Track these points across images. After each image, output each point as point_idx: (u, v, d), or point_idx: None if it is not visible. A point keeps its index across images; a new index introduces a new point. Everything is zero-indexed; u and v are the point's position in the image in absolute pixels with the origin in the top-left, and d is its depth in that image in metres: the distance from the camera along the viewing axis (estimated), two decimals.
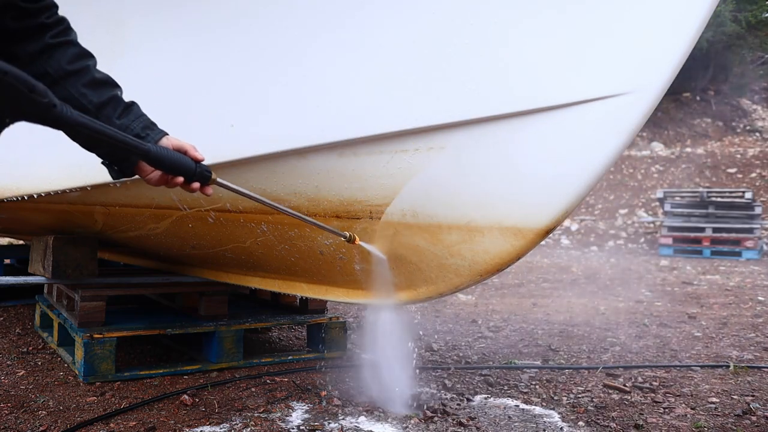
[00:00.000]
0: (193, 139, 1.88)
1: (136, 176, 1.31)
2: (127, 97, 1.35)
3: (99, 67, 1.35)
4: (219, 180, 1.33)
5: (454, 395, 2.34)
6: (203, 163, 1.31)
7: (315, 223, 1.68)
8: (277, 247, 2.08)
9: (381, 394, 2.18)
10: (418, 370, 2.68)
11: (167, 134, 1.33)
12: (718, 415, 2.18)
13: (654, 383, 2.55)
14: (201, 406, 2.17)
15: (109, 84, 1.33)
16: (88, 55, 1.32)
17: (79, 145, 1.24)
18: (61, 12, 1.30)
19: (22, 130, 1.32)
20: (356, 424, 2.00)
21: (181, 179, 1.28)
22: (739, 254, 8.67)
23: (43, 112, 0.99)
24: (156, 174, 1.28)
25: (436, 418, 2.07)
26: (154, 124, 1.34)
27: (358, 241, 1.73)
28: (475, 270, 1.67)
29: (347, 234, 1.71)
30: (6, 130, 1.21)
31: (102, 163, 1.30)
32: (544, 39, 1.46)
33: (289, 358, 2.80)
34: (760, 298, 5.02)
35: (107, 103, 1.29)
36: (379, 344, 2.07)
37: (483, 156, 1.57)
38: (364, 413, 2.10)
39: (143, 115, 1.34)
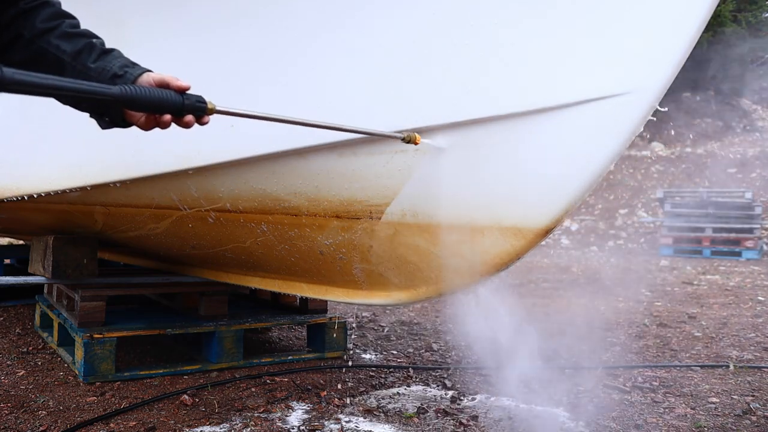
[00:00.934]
0: (194, 138, 1.88)
1: (132, 126, 1.23)
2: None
3: None
4: (219, 108, 1.21)
5: (455, 395, 2.34)
6: (192, 92, 1.20)
7: (351, 129, 1.47)
8: (277, 247, 2.08)
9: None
10: (417, 371, 2.68)
11: (150, 71, 1.23)
12: (718, 415, 2.18)
13: (654, 383, 2.55)
14: (201, 406, 2.17)
15: (86, 35, 1.26)
16: (67, 16, 1.27)
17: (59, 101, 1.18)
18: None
19: (22, 130, 1.32)
20: (356, 424, 2.00)
21: (168, 117, 1.17)
22: (739, 254, 8.67)
23: None
24: (141, 117, 1.18)
25: (436, 418, 2.07)
26: (135, 63, 1.24)
27: (419, 140, 1.51)
28: (476, 270, 1.67)
29: (402, 135, 1.50)
30: (6, 130, 1.20)
31: (90, 116, 1.22)
32: (544, 39, 1.46)
33: (289, 358, 2.80)
34: (760, 298, 5.02)
35: (82, 50, 1.22)
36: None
37: (483, 156, 1.57)
38: (364, 413, 2.10)
39: (123, 56, 1.26)
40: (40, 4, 1.25)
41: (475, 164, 1.58)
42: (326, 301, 2.91)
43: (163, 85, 1.18)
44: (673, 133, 14.08)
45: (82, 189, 2.13)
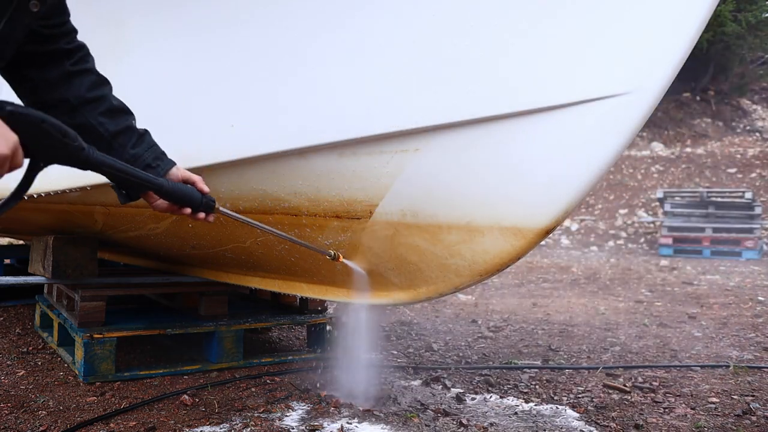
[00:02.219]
0: (194, 139, 1.88)
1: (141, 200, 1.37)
2: (139, 123, 1.41)
3: (99, 67, 1.36)
4: (221, 209, 1.42)
5: (455, 395, 2.34)
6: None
7: (302, 244, 1.78)
8: (277, 247, 2.08)
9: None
10: (417, 371, 2.68)
11: (176, 164, 1.40)
12: (718, 415, 2.18)
13: (654, 383, 2.55)
14: (201, 406, 2.17)
15: (124, 112, 1.38)
16: (105, 82, 1.37)
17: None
18: None
19: None
20: (356, 424, 2.00)
21: (188, 210, 1.35)
22: (739, 254, 8.66)
23: (74, 156, 1.09)
24: (163, 203, 1.34)
25: (436, 418, 2.07)
26: (164, 155, 1.40)
27: (341, 259, 1.80)
28: (475, 270, 1.67)
29: (332, 252, 1.78)
30: None
31: (111, 186, 1.35)
32: (544, 39, 1.46)
33: (289, 358, 2.80)
34: (760, 298, 5.02)
35: (122, 132, 1.35)
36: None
37: (484, 156, 1.57)
38: (364, 413, 2.10)
39: (155, 144, 1.40)
40: (85, 70, 1.33)
41: (475, 164, 1.58)
42: (326, 301, 2.91)
43: (189, 182, 1.38)
44: (673, 133, 14.08)
45: (82, 189, 2.13)
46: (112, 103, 1.35)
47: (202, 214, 1.38)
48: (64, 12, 1.29)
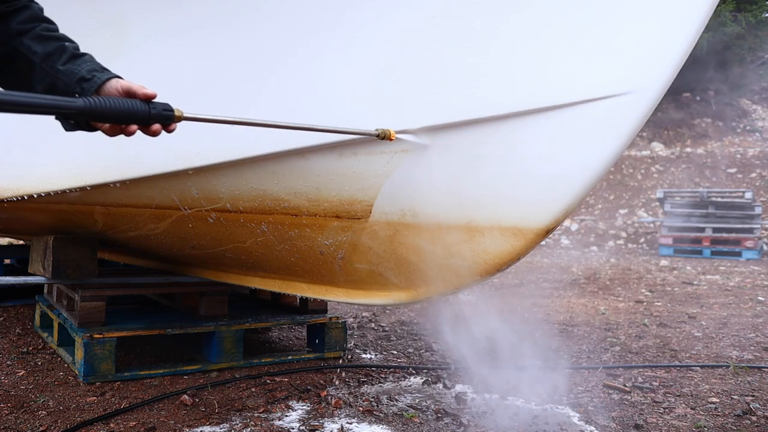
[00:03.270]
0: (194, 138, 1.88)
1: (98, 131, 1.23)
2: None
3: None
4: (187, 114, 1.21)
5: (455, 395, 2.34)
6: (159, 99, 1.20)
7: (330, 129, 1.51)
8: (277, 247, 2.08)
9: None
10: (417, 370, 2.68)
11: (118, 77, 1.23)
12: (718, 415, 2.18)
13: (654, 383, 2.55)
14: (201, 406, 2.17)
15: (60, 38, 1.27)
16: (44, 20, 1.28)
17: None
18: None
19: (21, 129, 1.32)
20: (356, 424, 2.00)
21: (135, 127, 1.17)
22: (739, 254, 8.66)
23: None
24: (106, 125, 1.18)
25: (436, 418, 2.07)
26: (105, 68, 1.24)
27: (394, 136, 1.53)
28: (475, 270, 1.67)
29: (378, 130, 1.51)
30: (5, 130, 1.21)
31: (55, 118, 1.23)
32: (545, 39, 1.46)
33: (289, 358, 2.80)
34: (760, 298, 5.02)
35: (53, 52, 1.23)
36: None
37: (484, 156, 1.57)
38: (364, 413, 2.10)
39: (93, 61, 1.26)
40: (20, 8, 1.26)
41: (475, 164, 1.58)
42: (326, 301, 2.91)
43: (130, 94, 1.18)
44: (673, 133, 14.08)
45: (82, 189, 2.13)
46: (45, 33, 1.24)
47: (156, 126, 1.19)
48: None
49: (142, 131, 1.19)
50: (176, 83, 1.96)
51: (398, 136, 1.57)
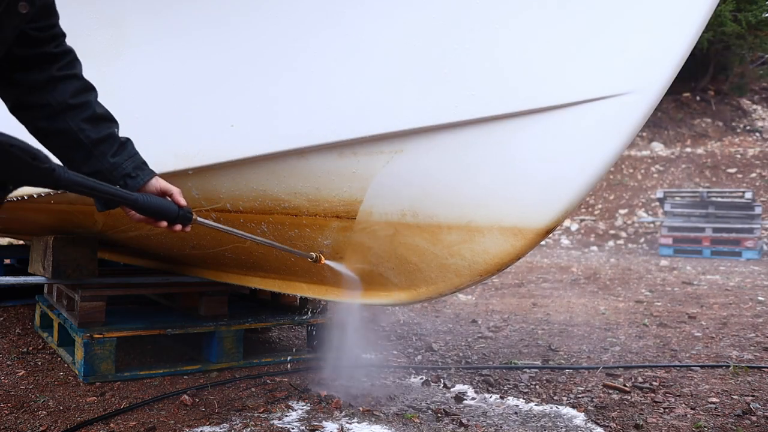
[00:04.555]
0: (194, 138, 1.88)
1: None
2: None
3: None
4: (199, 219, 1.43)
5: (455, 395, 2.34)
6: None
7: (280, 247, 1.82)
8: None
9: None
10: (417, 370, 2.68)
11: (156, 175, 1.39)
12: (718, 415, 2.18)
13: (654, 383, 2.55)
14: (201, 406, 2.17)
15: (107, 120, 1.36)
16: (90, 89, 1.35)
17: None
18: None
19: (21, 129, 1.31)
20: (356, 424, 2.00)
21: (164, 223, 1.35)
22: (739, 254, 8.66)
23: (43, 178, 1.09)
24: (139, 215, 1.34)
25: (436, 418, 2.07)
26: (145, 164, 1.39)
27: (323, 261, 1.82)
28: (475, 270, 1.67)
29: (313, 255, 1.80)
30: (5, 130, 1.21)
31: (98, 199, 1.35)
32: (545, 41, 1.46)
33: (289, 358, 2.80)
34: (760, 298, 5.02)
35: (104, 140, 1.33)
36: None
37: (483, 156, 1.57)
38: (364, 413, 2.10)
39: (136, 154, 1.38)
40: (71, 75, 1.31)
41: (475, 165, 1.58)
42: (326, 301, 2.91)
43: (167, 194, 1.38)
44: (673, 133, 14.08)
45: None
46: (95, 110, 1.33)
47: (178, 226, 1.38)
48: (53, 15, 1.27)
49: (167, 227, 1.37)
50: (176, 83, 1.96)
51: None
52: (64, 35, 1.32)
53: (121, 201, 1.28)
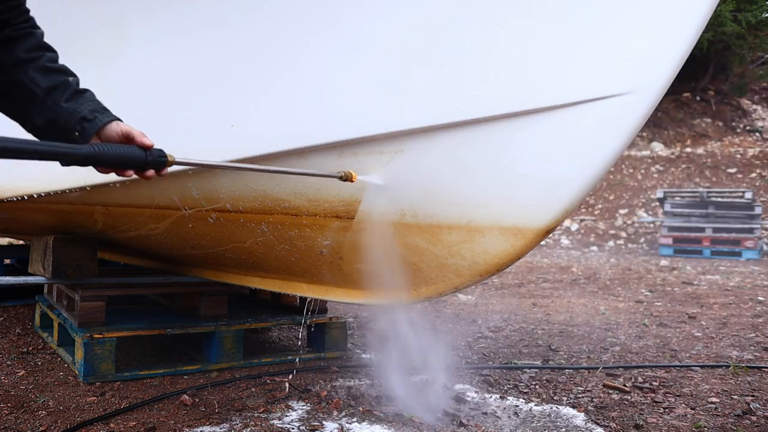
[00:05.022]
0: (194, 138, 1.88)
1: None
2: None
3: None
4: (177, 159, 1.28)
5: (455, 395, 2.34)
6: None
7: (295, 172, 1.67)
8: (277, 247, 2.08)
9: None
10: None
11: (118, 119, 1.27)
12: (718, 415, 2.18)
13: (654, 383, 2.55)
14: (201, 406, 2.17)
15: (63, 72, 1.29)
16: (48, 49, 1.30)
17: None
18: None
19: (21, 129, 1.32)
20: (356, 424, 2.00)
21: (131, 172, 1.23)
22: (739, 254, 8.66)
23: None
24: (104, 168, 1.24)
25: (436, 418, 2.07)
26: (105, 109, 1.29)
27: (355, 178, 1.62)
28: (475, 270, 1.67)
29: (341, 173, 1.61)
30: (5, 131, 1.20)
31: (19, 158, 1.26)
32: (545, 41, 1.46)
33: (289, 358, 2.80)
34: (760, 298, 5.02)
35: (56, 87, 1.26)
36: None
37: (483, 156, 1.57)
38: (364, 413, 2.10)
39: (95, 99, 1.29)
40: (25, 34, 1.27)
41: (475, 165, 1.58)
42: (326, 301, 2.91)
43: (129, 139, 1.24)
44: (673, 133, 14.08)
45: (82, 189, 2.13)
46: (48, 64, 1.26)
47: (150, 172, 1.25)
48: None
49: (137, 174, 1.25)
50: (176, 83, 1.96)
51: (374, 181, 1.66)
52: (28, 11, 1.29)
53: (66, 158, 1.14)
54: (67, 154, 1.13)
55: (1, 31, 1.24)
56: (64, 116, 1.23)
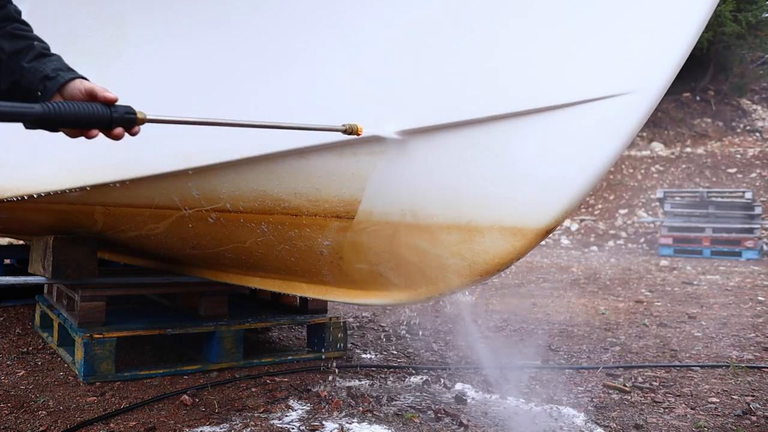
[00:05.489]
0: (194, 138, 1.88)
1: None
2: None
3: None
4: (150, 117, 1.18)
5: (455, 395, 2.34)
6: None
7: (299, 126, 1.53)
8: (277, 247, 2.08)
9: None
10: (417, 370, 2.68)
11: (83, 78, 1.21)
12: (718, 415, 2.18)
13: (654, 383, 2.55)
14: (201, 406, 2.17)
15: (30, 38, 1.25)
16: (20, 22, 1.27)
17: None
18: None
19: (21, 129, 1.31)
20: (356, 424, 2.00)
21: (96, 131, 1.16)
22: (739, 254, 8.66)
23: None
24: (68, 130, 1.17)
25: (436, 418, 2.07)
26: (71, 69, 1.22)
27: (362, 130, 1.53)
28: (475, 270, 1.67)
29: (343, 126, 1.51)
30: (5, 130, 1.20)
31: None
32: (545, 41, 1.46)
33: (289, 358, 2.80)
34: (760, 298, 5.02)
35: (21, 50, 1.21)
36: None
37: (483, 156, 1.57)
38: (364, 413, 2.10)
39: (60, 60, 1.24)
40: None
41: (475, 165, 1.58)
42: (326, 301, 2.91)
43: (92, 96, 1.16)
44: (673, 133, 14.08)
45: (82, 189, 2.13)
46: (16, 32, 1.23)
47: (118, 130, 1.16)
48: None
49: (105, 135, 1.17)
50: (176, 83, 1.96)
51: (385, 134, 1.57)
52: None
53: (20, 117, 1.06)
54: (19, 113, 1.05)
55: None
56: (27, 76, 1.19)
